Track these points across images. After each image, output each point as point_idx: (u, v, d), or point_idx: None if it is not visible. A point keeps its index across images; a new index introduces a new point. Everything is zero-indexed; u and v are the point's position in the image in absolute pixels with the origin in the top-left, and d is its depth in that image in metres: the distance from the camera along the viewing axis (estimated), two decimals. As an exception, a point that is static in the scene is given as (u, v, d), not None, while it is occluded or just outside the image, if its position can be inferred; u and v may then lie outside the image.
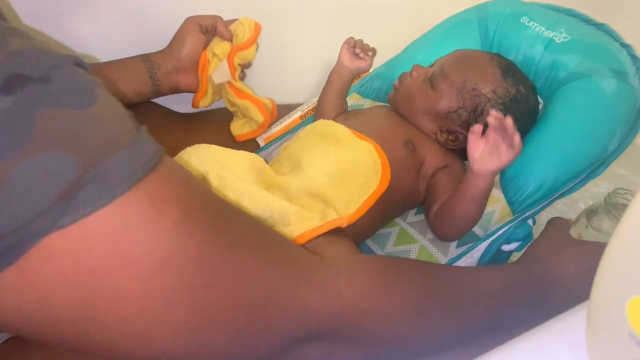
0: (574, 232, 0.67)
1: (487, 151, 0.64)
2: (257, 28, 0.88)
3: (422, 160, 0.76)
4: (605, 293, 0.38)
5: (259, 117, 0.88)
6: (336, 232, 0.65)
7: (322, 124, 0.79)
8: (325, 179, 0.69)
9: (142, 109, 0.84)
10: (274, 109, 0.91)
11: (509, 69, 0.76)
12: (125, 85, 0.80)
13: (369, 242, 0.76)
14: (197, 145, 0.73)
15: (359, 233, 0.72)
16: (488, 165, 0.64)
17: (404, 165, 0.75)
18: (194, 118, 0.91)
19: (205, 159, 0.70)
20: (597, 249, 0.46)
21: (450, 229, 0.72)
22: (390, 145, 0.74)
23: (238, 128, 0.91)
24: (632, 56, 0.79)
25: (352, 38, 0.86)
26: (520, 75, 0.77)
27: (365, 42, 0.87)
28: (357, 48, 0.85)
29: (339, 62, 0.86)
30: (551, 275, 0.60)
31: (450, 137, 0.77)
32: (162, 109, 0.88)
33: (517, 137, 0.62)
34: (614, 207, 0.64)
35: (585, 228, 0.66)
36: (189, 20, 0.86)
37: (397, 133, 0.77)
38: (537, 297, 0.58)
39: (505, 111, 0.74)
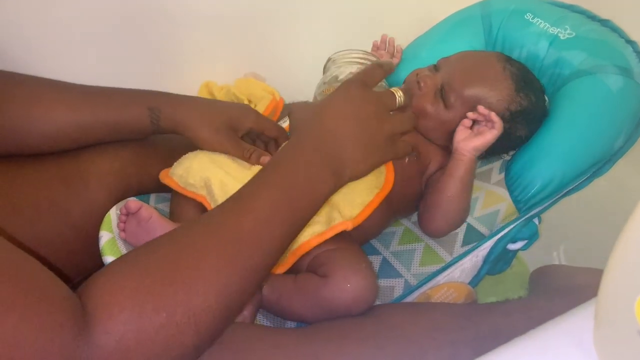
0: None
1: (471, 134, 0.71)
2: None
3: (427, 164, 0.76)
4: (614, 291, 0.38)
5: (265, 95, 0.90)
6: (342, 236, 0.65)
7: None
8: None
9: None
10: (280, 101, 0.92)
11: (522, 80, 0.74)
12: (121, 130, 0.72)
13: (374, 242, 0.76)
14: (198, 152, 0.72)
15: (365, 234, 0.72)
16: (473, 142, 0.70)
17: (409, 169, 0.74)
18: None
19: (205, 165, 0.70)
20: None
21: (437, 219, 0.71)
22: None
23: None
24: (638, 53, 0.78)
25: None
26: (531, 83, 0.75)
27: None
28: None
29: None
30: (320, 131, 0.57)
31: None
32: None
33: (493, 116, 0.69)
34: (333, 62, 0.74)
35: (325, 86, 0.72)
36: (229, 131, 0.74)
37: None
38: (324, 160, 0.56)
39: (514, 122, 0.73)
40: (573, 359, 0.40)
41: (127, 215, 0.66)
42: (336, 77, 0.71)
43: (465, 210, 0.72)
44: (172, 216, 0.72)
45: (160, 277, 0.44)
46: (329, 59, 0.74)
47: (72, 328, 0.39)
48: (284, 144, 0.73)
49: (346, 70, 0.72)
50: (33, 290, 0.39)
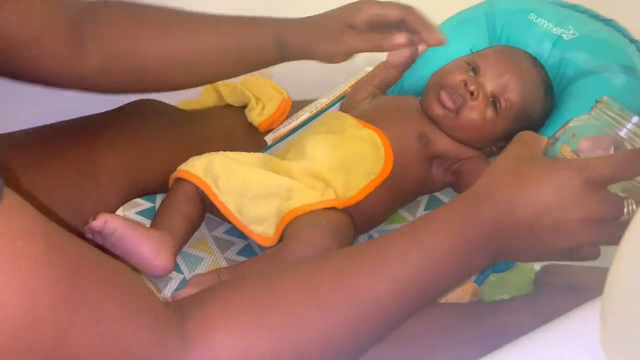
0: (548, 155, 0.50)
1: None
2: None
3: (436, 152, 0.76)
4: (620, 289, 0.38)
5: (275, 94, 0.90)
6: (337, 212, 0.67)
7: (331, 115, 0.80)
8: (326, 162, 0.70)
9: (144, 106, 0.83)
10: (288, 100, 0.93)
11: (548, 86, 0.77)
12: (244, 57, 0.68)
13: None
14: (200, 156, 0.72)
15: (366, 217, 0.73)
16: None
17: (415, 156, 0.75)
18: (202, 115, 0.90)
19: (211, 157, 0.71)
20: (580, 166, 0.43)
21: None
22: (401, 135, 0.74)
23: (258, 117, 0.91)
24: (642, 51, 0.78)
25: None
26: (551, 87, 0.78)
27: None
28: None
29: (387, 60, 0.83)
30: (507, 217, 0.44)
31: (493, 148, 0.78)
32: (167, 106, 0.88)
33: None
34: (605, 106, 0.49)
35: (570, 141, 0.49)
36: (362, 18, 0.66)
37: (412, 125, 0.75)
38: (486, 257, 0.46)
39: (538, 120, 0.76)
40: (579, 356, 0.41)
41: (93, 233, 0.63)
42: (581, 138, 0.49)
43: None
44: (157, 214, 0.70)
45: (273, 324, 0.41)
46: (597, 101, 0.50)
47: (174, 343, 0.38)
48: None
49: (600, 134, 0.49)
50: (143, 301, 0.38)
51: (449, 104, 0.73)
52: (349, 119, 0.76)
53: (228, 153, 0.73)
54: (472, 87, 0.71)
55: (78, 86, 0.65)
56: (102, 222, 0.61)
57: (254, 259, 0.66)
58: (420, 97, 0.80)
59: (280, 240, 0.66)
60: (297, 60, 0.69)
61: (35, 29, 0.58)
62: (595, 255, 0.47)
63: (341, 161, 0.71)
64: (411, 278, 0.44)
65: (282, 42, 0.66)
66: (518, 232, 0.44)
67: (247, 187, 0.68)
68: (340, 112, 0.79)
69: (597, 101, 0.50)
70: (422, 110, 0.77)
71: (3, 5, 0.54)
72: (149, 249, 0.63)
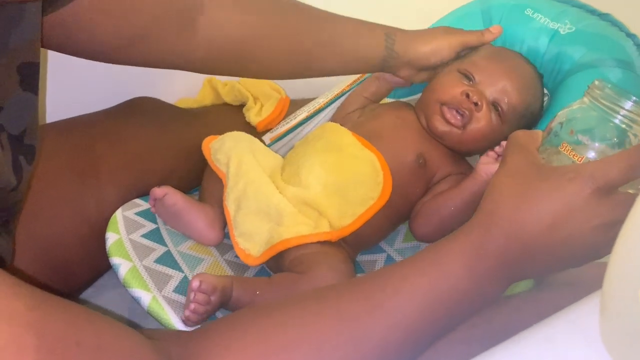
0: (546, 154, 0.49)
1: (494, 160, 0.68)
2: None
3: (433, 173, 0.74)
4: (618, 281, 0.38)
5: (273, 94, 0.90)
6: (332, 242, 0.65)
7: (330, 127, 0.77)
8: (321, 189, 0.68)
9: (143, 104, 0.83)
10: (286, 99, 0.93)
11: (541, 78, 0.78)
12: (353, 58, 0.72)
13: (378, 239, 0.76)
14: (236, 132, 0.75)
15: (362, 241, 0.71)
16: (491, 168, 0.67)
17: (413, 177, 0.73)
18: (200, 113, 0.90)
19: (237, 143, 0.73)
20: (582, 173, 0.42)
21: (431, 226, 0.71)
22: (400, 156, 0.72)
23: (256, 117, 0.91)
24: (638, 46, 0.78)
25: None
26: (542, 77, 0.79)
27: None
28: None
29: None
30: (517, 240, 0.44)
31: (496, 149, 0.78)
32: (165, 104, 0.88)
33: None
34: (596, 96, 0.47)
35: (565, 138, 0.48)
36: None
37: (411, 145, 0.73)
38: (498, 284, 0.46)
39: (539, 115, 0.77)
40: (579, 350, 0.41)
41: (155, 200, 0.70)
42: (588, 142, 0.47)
43: (459, 224, 0.71)
44: (201, 191, 0.74)
45: None
46: (590, 87, 0.49)
47: None
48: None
49: (603, 128, 0.47)
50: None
51: (454, 120, 0.71)
52: (347, 136, 0.73)
53: (254, 148, 0.74)
54: (474, 98, 0.70)
55: (184, 69, 0.67)
56: (163, 192, 0.68)
57: (269, 281, 0.64)
58: (417, 112, 0.77)
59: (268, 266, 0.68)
60: (392, 69, 0.73)
61: (146, 23, 0.60)
62: (610, 251, 0.45)
63: (337, 186, 0.68)
64: (424, 320, 0.44)
65: (392, 40, 0.71)
66: (532, 252, 0.44)
67: (244, 198, 0.68)
68: (337, 126, 0.76)
69: (589, 87, 0.48)
70: (421, 126, 0.75)
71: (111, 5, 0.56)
72: (204, 222, 0.69)
